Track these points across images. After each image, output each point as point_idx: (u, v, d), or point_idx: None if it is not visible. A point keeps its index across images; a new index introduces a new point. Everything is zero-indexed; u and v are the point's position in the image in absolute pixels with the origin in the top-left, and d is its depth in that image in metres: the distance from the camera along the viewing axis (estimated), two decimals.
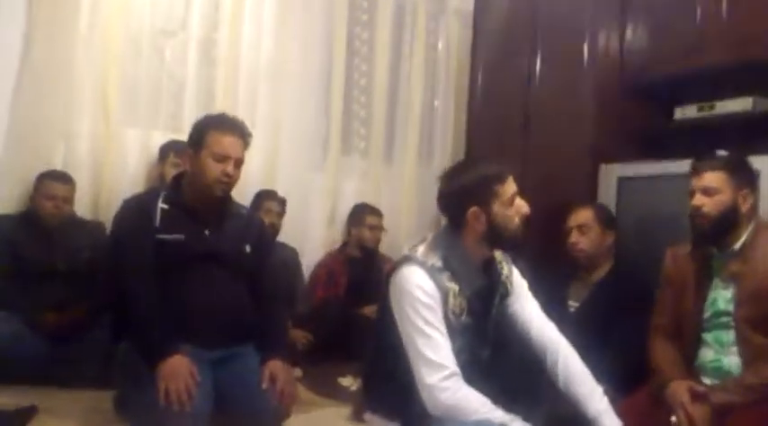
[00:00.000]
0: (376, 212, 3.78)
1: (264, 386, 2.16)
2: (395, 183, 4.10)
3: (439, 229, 2.05)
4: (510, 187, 1.92)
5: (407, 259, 1.92)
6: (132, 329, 2.19)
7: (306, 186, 3.79)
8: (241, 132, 2.33)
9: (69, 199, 3.06)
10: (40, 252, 2.93)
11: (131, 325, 2.19)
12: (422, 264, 1.89)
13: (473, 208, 1.89)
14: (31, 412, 1.96)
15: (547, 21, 3.55)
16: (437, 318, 1.84)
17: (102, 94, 3.31)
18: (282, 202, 3.51)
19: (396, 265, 1.94)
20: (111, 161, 3.32)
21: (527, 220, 1.95)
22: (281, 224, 3.48)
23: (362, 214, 3.75)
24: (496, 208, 1.90)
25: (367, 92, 4.13)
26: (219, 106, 3.45)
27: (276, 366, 2.21)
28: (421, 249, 1.94)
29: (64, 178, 3.06)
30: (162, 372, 2.02)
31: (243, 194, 3.18)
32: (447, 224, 2.00)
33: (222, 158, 2.26)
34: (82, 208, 3.20)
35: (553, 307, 2.21)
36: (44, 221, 2.99)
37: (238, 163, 2.30)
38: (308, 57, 3.80)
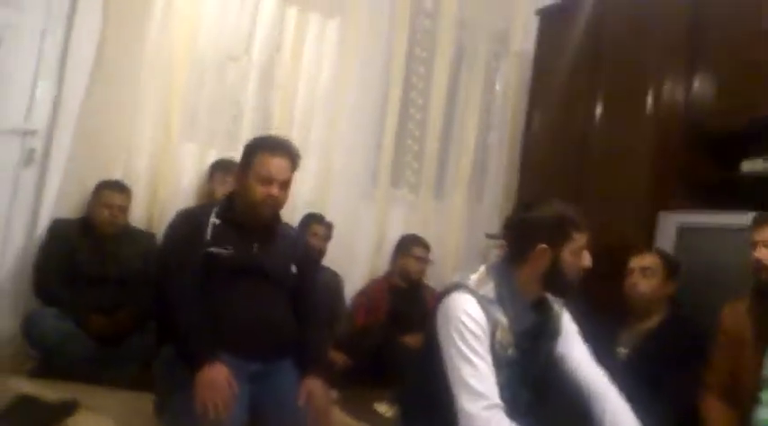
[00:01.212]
0: (423, 244, 3.77)
1: (301, 403, 2.14)
2: (444, 218, 4.10)
3: (494, 261, 2.01)
4: (583, 237, 1.88)
5: (458, 286, 1.88)
6: (174, 336, 2.21)
7: (354, 214, 3.82)
8: (288, 153, 2.34)
9: (125, 209, 3.13)
10: (93, 258, 3.01)
11: (174, 333, 2.20)
12: (473, 292, 1.85)
13: (542, 245, 1.85)
14: (72, 406, 2.00)
15: (611, 65, 3.53)
16: (483, 348, 1.80)
17: (164, 111, 3.41)
18: (329, 227, 3.54)
19: (446, 291, 1.91)
20: (167, 175, 3.40)
21: (584, 273, 1.91)
22: (326, 248, 3.51)
23: (410, 244, 3.75)
24: (565, 253, 1.86)
25: (421, 126, 4.16)
26: (275, 129, 3.54)
27: (314, 384, 2.19)
28: (473, 278, 1.91)
29: (121, 188, 3.14)
30: (201, 381, 2.02)
31: (292, 217, 3.23)
32: (504, 256, 1.96)
33: (267, 180, 2.27)
34: (136, 218, 3.27)
35: (601, 353, 2.13)
36: (100, 228, 3.06)
37: (284, 184, 2.32)
38: (364, 87, 3.87)
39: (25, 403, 1.92)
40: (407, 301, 3.57)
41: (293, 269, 2.40)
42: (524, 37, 4.27)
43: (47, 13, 3.23)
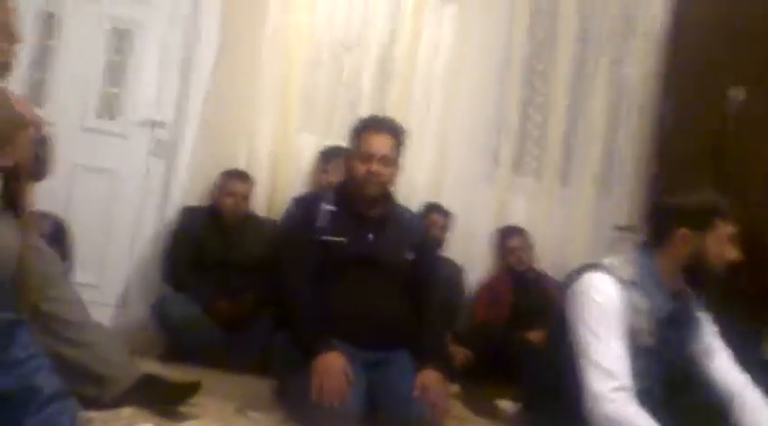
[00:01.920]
0: (515, 232, 3.61)
1: (416, 394, 2.09)
2: (569, 207, 3.90)
3: (636, 247, 1.94)
4: (729, 227, 1.81)
5: (594, 265, 1.83)
6: (291, 323, 2.22)
7: (474, 203, 3.71)
8: (388, 129, 2.31)
9: (248, 197, 3.21)
10: (218, 245, 3.10)
11: (290, 319, 2.22)
12: (610, 272, 1.78)
13: (684, 230, 1.80)
14: (193, 387, 2.04)
15: (751, 43, 3.22)
16: (618, 328, 1.72)
17: (283, 100, 3.46)
18: (448, 216, 3.46)
19: (578, 271, 1.84)
20: (287, 164, 3.45)
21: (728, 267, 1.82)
22: (445, 237, 3.44)
23: (503, 238, 3.63)
24: (709, 240, 1.80)
25: (543, 111, 3.97)
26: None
27: (430, 375, 2.13)
28: (611, 260, 1.84)
29: (244, 176, 3.21)
30: (317, 368, 2.02)
31: (409, 206, 3.17)
32: (645, 243, 1.90)
33: (367, 157, 2.26)
34: (258, 206, 3.34)
35: (745, 353, 1.98)
36: (224, 216, 3.15)
37: (385, 160, 2.27)
38: (483, 72, 3.76)
39: (149, 382, 1.99)
40: (530, 293, 3.43)
41: (409, 255, 2.35)
42: (655, 15, 3.99)
43: (172, 7, 3.39)
